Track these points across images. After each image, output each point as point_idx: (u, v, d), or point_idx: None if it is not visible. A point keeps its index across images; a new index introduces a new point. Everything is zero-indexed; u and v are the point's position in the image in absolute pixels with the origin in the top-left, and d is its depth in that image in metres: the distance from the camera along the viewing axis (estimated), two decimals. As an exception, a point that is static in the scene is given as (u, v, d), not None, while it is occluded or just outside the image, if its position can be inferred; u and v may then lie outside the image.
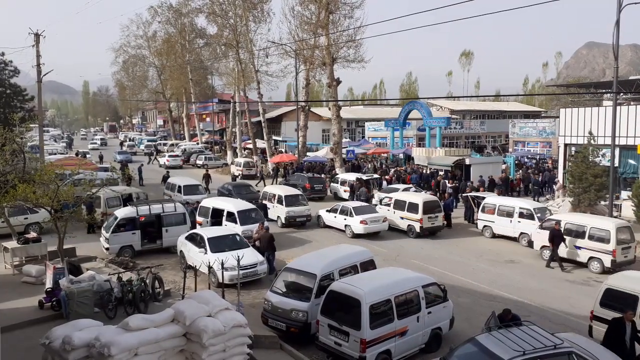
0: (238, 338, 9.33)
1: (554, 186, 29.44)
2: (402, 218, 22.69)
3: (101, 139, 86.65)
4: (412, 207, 22.11)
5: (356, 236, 21.82)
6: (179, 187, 28.13)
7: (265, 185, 32.94)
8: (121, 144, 74.07)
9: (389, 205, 23.62)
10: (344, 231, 22.53)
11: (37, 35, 28.18)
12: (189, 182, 28.96)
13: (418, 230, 21.88)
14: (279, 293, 12.42)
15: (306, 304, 11.78)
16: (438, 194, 28.48)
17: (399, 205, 22.91)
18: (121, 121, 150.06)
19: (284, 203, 23.98)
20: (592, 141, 23.40)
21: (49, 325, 10.84)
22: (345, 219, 22.46)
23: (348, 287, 10.77)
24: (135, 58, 77.54)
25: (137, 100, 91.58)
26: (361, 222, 21.77)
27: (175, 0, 62.00)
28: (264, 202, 25.05)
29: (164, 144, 70.50)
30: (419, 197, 22.65)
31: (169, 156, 52.14)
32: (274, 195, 25.02)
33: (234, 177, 38.92)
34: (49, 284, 13.66)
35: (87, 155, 51.47)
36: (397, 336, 10.63)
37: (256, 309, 13.25)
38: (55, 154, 46.94)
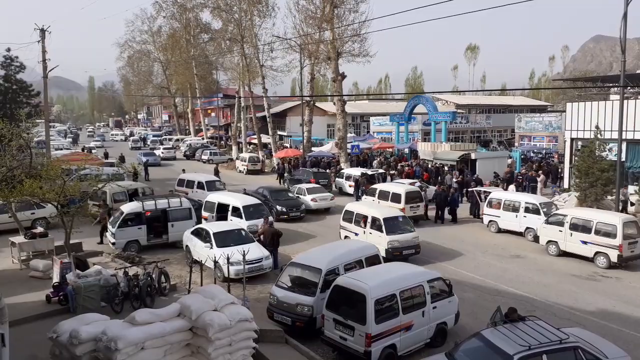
0: (244, 332, 9.37)
1: (538, 180, 29.17)
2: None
3: (130, 133, 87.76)
4: (395, 197, 23.36)
5: (308, 211, 25.67)
6: (200, 183, 27.02)
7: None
8: (144, 140, 70.06)
9: (373, 195, 24.67)
10: None
11: (42, 31, 28.25)
12: (210, 178, 28.11)
13: None
14: (284, 288, 12.46)
15: (311, 298, 11.82)
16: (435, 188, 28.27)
17: (383, 195, 24.14)
18: (126, 116, 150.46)
19: (384, 229, 17.98)
20: (598, 135, 23.25)
21: (56, 319, 10.93)
22: (302, 198, 26.10)
23: (353, 282, 10.79)
24: (140, 53, 77.73)
25: (142, 95, 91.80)
26: (312, 200, 25.93)
27: (179, -5, 62.01)
28: (344, 224, 20.02)
29: (169, 139, 70.85)
30: (402, 188, 23.89)
31: (164, 149, 56.02)
32: (366, 218, 18.80)
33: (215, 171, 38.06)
34: (56, 278, 13.77)
35: (93, 151, 51.70)
36: (402, 331, 10.65)
37: (262, 303, 13.29)
38: (61, 149, 47.18)
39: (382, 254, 16.23)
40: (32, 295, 13.67)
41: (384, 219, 18.15)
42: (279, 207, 23.95)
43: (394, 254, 17.34)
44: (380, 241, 17.58)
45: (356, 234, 19.07)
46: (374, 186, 26.23)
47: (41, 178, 15.35)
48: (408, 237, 18.01)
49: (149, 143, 67.69)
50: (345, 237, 19.70)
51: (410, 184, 27.78)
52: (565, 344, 8.60)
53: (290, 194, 26.00)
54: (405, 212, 22.13)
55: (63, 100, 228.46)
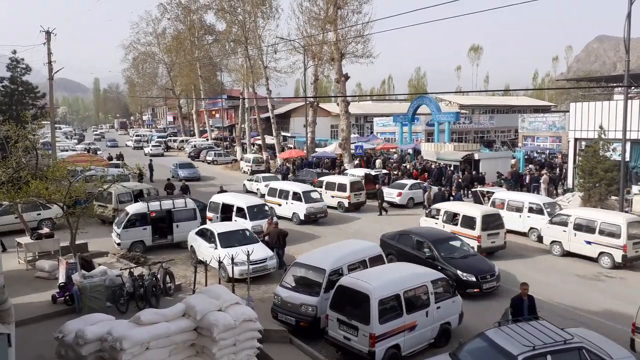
0: (248, 332, 9.41)
1: (540, 180, 29.04)
2: (332, 197, 26.86)
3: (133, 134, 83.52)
4: (341, 187, 26.63)
5: (263, 195, 27.47)
6: (296, 193, 24.07)
7: None
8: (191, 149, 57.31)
9: (320, 186, 27.68)
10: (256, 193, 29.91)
11: (48, 33, 28.42)
12: (307, 188, 25.17)
13: (347, 205, 26.30)
14: (288, 288, 12.49)
15: (315, 298, 11.84)
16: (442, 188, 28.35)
17: (330, 186, 27.33)
18: (131, 118, 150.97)
19: None
20: (602, 135, 23.20)
21: (62, 320, 11.02)
22: (257, 185, 30.60)
23: (357, 282, 10.81)
24: (145, 55, 77.90)
25: (147, 97, 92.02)
26: (266, 185, 28.27)
27: (184, -3, 62.16)
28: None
29: (174, 141, 71.02)
30: (347, 179, 27.24)
31: (153, 146, 59.81)
32: None
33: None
34: (61, 278, 13.86)
35: (98, 152, 51.87)
36: (406, 331, 10.66)
37: (266, 303, 13.33)
38: (67, 150, 47.39)
39: None
40: (38, 296, 13.77)
41: None
42: (460, 273, 14.44)
43: None
44: None
45: None
46: (321, 178, 29.08)
47: (47, 179, 15.45)
48: None
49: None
50: None
51: (413, 184, 28.03)
52: (570, 344, 8.58)
53: (457, 243, 16.28)
54: (350, 200, 26.10)
55: (68, 102, 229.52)
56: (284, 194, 24.59)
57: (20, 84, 30.55)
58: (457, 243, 16.20)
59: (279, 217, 23.16)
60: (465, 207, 19.86)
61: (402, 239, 16.86)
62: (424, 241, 15.79)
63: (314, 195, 24.35)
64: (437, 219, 19.97)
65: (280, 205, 24.43)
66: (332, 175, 30.64)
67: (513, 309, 11.03)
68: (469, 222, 18.48)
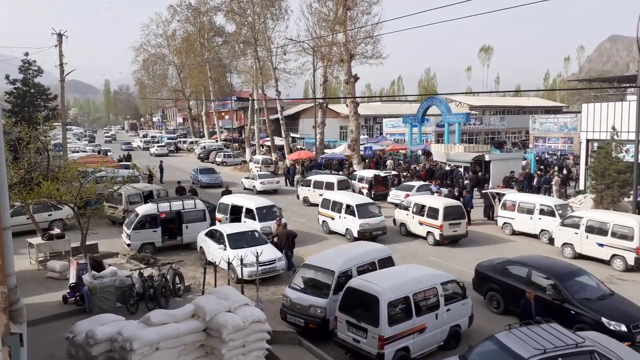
0: (257, 333, 9.43)
1: (552, 182, 28.78)
2: (320, 195, 25.99)
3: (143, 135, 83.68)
4: (329, 185, 27.29)
5: (259, 192, 30.84)
6: (349, 206, 20.93)
7: None
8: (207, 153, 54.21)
9: (309, 186, 28.61)
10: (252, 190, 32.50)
11: (59, 36, 28.73)
12: (364, 201, 22.03)
13: None
14: (297, 289, 12.48)
15: (324, 300, 11.82)
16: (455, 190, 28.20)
17: (318, 185, 28.02)
18: (142, 119, 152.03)
19: None
20: (615, 136, 22.95)
21: (72, 320, 11.10)
22: (254, 182, 32.84)
23: (366, 284, 10.78)
24: (155, 57, 78.42)
25: (157, 98, 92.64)
26: (261, 183, 32.32)
27: (194, -1, 62.60)
28: None
29: (184, 142, 71.37)
30: (334, 178, 28.24)
31: (158, 146, 62.42)
32: None
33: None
34: (72, 279, 13.97)
35: (109, 154, 52.22)
36: (416, 333, 10.61)
37: (275, 304, 13.33)
38: (78, 151, 47.79)
39: None
40: (49, 296, 13.89)
41: None
42: (605, 321, 11.15)
43: None
44: None
45: None
46: (309, 177, 29.82)
47: (58, 180, 15.59)
48: None
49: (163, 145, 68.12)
50: None
51: (421, 186, 27.95)
52: (581, 348, 8.49)
53: (585, 278, 12.72)
54: None
55: (79, 104, 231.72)
56: (337, 207, 21.57)
57: (32, 85, 30.90)
58: (585, 279, 12.65)
59: (332, 233, 22.00)
60: (430, 200, 21.71)
61: (509, 271, 13.41)
62: (545, 277, 12.49)
63: (371, 208, 21.15)
64: (409, 210, 21.70)
65: (333, 219, 21.83)
66: (318, 175, 30.58)
67: (522, 314, 10.93)
68: (433, 212, 20.33)
